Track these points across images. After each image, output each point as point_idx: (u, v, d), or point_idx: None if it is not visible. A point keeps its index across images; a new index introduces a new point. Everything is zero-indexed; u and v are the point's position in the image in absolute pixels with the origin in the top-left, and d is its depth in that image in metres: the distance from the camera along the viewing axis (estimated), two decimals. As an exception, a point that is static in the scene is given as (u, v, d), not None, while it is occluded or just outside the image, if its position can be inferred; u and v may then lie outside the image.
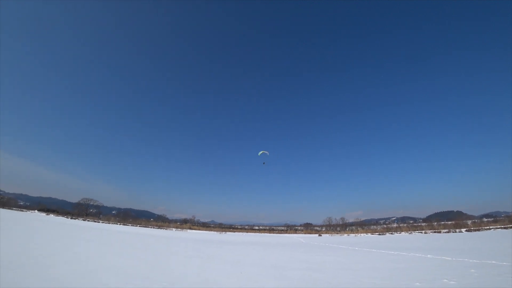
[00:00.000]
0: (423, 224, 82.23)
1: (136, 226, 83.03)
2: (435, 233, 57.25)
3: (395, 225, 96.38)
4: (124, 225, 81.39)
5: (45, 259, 9.76)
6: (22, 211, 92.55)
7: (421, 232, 62.06)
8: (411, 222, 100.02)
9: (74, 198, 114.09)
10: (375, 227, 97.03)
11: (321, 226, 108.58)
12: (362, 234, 73.50)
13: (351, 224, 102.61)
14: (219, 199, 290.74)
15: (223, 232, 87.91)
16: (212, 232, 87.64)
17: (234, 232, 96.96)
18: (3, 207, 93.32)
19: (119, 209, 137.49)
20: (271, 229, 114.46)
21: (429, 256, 16.16)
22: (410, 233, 63.98)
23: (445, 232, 56.97)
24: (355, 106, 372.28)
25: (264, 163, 38.19)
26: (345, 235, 77.36)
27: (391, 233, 67.94)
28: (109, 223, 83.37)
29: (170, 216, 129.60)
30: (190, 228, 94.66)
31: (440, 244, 26.94)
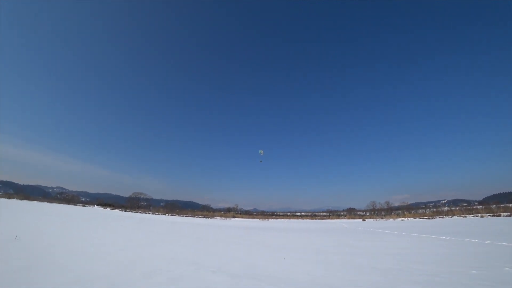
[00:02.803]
0: (479, 207, 75.77)
1: (183, 216, 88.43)
2: (493, 217, 52.54)
3: (446, 208, 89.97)
4: (172, 215, 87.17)
5: (105, 247, 11.13)
6: (84, 206, 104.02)
7: (477, 216, 57.26)
8: (464, 205, 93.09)
9: (126, 193, 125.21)
10: (423, 211, 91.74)
11: (365, 210, 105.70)
12: (409, 219, 70.14)
13: (397, 208, 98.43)
14: (260, 187, 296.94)
15: (266, 219, 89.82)
16: (255, 219, 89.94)
17: (276, 219, 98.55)
18: (68, 203, 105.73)
19: (166, 201, 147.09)
20: (313, 215, 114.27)
21: (486, 242, 15.14)
22: (463, 216, 59.61)
23: (507, 216, 51.96)
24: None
25: (261, 161, 41.01)
26: (391, 219, 74.35)
27: (442, 217, 63.87)
28: (159, 214, 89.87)
29: (214, 205, 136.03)
30: (234, 217, 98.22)
31: (500, 229, 24.74)
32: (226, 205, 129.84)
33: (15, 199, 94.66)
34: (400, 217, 78.14)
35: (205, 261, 9.15)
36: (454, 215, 65.57)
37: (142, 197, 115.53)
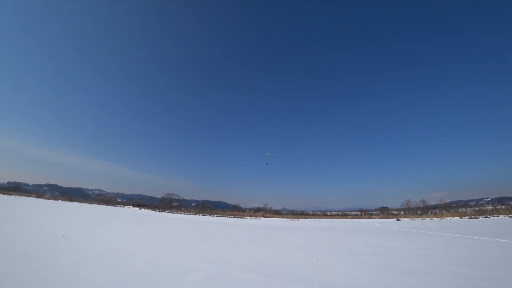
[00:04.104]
0: (529, 205, 69.42)
1: (214, 216, 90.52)
2: (547, 216, 48.02)
3: (490, 207, 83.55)
4: (203, 215, 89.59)
5: (143, 246, 11.78)
6: (121, 206, 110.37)
7: (528, 215, 52.64)
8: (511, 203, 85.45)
9: (159, 194, 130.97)
10: (464, 209, 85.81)
11: (399, 209, 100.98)
12: (448, 218, 66.07)
13: (434, 207, 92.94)
14: (289, 187, 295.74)
15: (296, 219, 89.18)
16: (285, 219, 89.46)
17: (306, 218, 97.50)
18: (106, 204, 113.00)
19: (197, 201, 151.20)
20: (344, 214, 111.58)
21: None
22: (511, 216, 55.06)
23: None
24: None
25: (267, 163, 43.25)
26: (427, 219, 70.53)
27: (486, 217, 59.33)
28: (190, 214, 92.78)
29: (243, 205, 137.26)
30: (263, 216, 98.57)
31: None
32: (255, 205, 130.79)
33: (60, 200, 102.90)
34: (437, 217, 73.80)
35: (238, 261, 9.32)
36: (500, 214, 60.55)
37: (174, 197, 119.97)
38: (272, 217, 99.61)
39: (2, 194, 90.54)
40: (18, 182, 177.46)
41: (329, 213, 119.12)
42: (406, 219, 74.83)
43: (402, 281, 6.99)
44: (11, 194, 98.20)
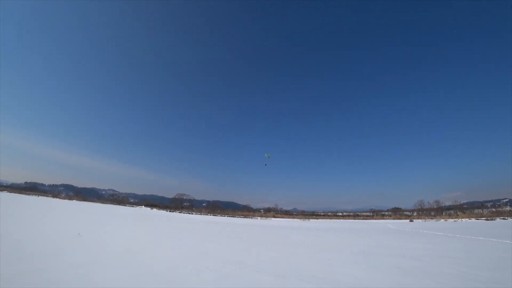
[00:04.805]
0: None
1: (224, 216, 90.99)
2: None
3: (507, 208, 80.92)
4: (214, 215, 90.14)
5: (155, 246, 12.05)
6: (133, 206, 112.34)
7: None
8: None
9: (170, 194, 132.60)
10: (480, 210, 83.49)
11: (412, 210, 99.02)
12: (463, 219, 64.34)
13: (448, 208, 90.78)
14: (300, 187, 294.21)
15: (306, 219, 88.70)
16: (295, 219, 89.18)
17: (317, 219, 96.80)
18: (119, 204, 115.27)
19: (208, 202, 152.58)
20: (355, 215, 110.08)
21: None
22: (530, 217, 53.19)
23: None
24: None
25: (265, 164, 43.50)
26: (442, 220, 68.86)
27: (503, 218, 57.55)
28: (201, 214, 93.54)
29: (254, 205, 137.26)
30: (274, 216, 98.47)
31: None
32: (266, 205, 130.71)
33: (75, 200, 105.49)
34: (452, 218, 71.96)
35: (249, 261, 9.36)
36: (519, 215, 58.76)
37: (185, 198, 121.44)
38: (282, 217, 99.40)
39: (20, 194, 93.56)
40: (35, 183, 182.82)
41: (340, 214, 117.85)
42: (420, 220, 73.29)
43: (415, 283, 6.88)
44: (28, 194, 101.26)
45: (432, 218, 76.67)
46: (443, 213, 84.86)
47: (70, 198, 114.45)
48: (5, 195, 69.96)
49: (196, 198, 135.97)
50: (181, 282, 6.26)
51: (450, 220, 67.06)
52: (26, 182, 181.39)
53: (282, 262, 9.46)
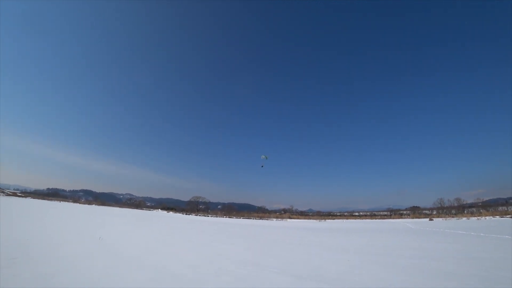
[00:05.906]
0: None
1: (240, 218, 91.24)
2: None
3: (535, 204, 77.12)
4: (229, 217, 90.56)
5: (175, 248, 12.29)
6: (150, 210, 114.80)
7: None
8: (559, 200, 78.38)
9: (186, 197, 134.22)
10: (505, 208, 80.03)
11: (431, 209, 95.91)
12: (486, 218, 61.72)
13: (470, 206, 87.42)
14: (315, 187, 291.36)
15: (323, 220, 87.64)
16: (311, 220, 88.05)
17: (334, 219, 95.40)
18: (136, 208, 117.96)
19: (223, 204, 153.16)
20: (372, 215, 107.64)
21: None
22: (560, 214, 50.48)
23: None
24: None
25: (262, 166, 40.62)
26: (464, 218, 66.32)
27: (531, 215, 54.96)
28: (217, 216, 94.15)
29: (269, 207, 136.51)
30: (290, 218, 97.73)
31: None
32: (281, 206, 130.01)
33: (94, 205, 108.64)
34: (475, 216, 69.28)
35: (268, 262, 9.35)
36: (547, 212, 55.84)
37: (200, 200, 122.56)
38: (298, 218, 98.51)
39: (42, 199, 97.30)
40: (57, 188, 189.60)
41: (356, 214, 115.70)
42: (440, 219, 70.93)
43: (442, 285, 6.67)
44: (51, 200, 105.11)
45: (453, 217, 74.09)
46: (465, 211, 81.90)
47: (90, 203, 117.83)
48: (29, 201, 73.01)
49: (211, 201, 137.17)
50: (201, 283, 6.35)
51: (473, 218, 64.52)
52: (48, 188, 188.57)
53: (300, 263, 9.43)
